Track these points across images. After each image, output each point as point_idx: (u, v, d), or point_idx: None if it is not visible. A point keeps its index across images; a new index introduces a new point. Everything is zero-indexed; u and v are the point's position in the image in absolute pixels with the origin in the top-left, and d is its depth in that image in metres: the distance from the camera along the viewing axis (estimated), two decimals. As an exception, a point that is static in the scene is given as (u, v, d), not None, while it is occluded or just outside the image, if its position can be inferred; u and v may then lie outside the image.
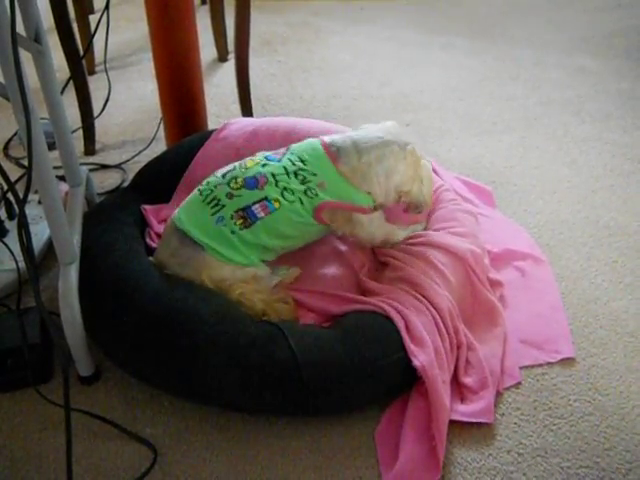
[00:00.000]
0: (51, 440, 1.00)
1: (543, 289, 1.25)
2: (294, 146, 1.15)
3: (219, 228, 1.06)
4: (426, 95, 2.01)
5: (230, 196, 1.08)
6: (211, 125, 1.61)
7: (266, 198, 1.07)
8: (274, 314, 1.08)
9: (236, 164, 1.13)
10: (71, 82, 1.60)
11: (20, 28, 0.93)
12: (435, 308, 1.08)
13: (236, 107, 1.82)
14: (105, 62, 1.73)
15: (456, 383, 1.05)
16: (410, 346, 1.01)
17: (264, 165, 1.11)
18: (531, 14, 2.62)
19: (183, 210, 1.11)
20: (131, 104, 1.96)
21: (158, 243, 1.16)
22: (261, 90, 2.01)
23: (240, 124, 1.40)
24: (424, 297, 1.09)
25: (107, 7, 1.41)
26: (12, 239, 1.27)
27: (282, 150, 1.15)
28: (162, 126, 1.60)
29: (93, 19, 2.02)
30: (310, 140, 1.16)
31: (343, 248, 1.25)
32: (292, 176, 1.09)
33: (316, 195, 1.09)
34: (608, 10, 2.62)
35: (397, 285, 1.13)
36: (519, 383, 1.08)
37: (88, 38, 1.93)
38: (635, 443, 0.99)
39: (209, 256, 1.06)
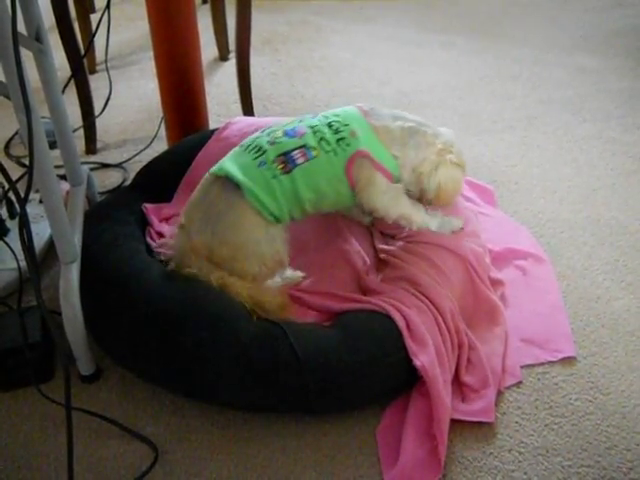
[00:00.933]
0: (52, 439, 1.00)
1: (544, 288, 1.25)
2: (326, 111, 1.18)
3: (261, 171, 1.08)
4: (426, 94, 2.01)
5: (271, 143, 1.10)
6: (212, 124, 1.61)
7: (305, 145, 1.10)
8: (260, 310, 1.07)
9: (271, 123, 1.16)
10: (72, 81, 1.60)
11: (21, 27, 0.93)
12: (436, 307, 1.08)
13: (237, 106, 1.82)
14: (106, 61, 1.73)
15: (457, 382, 1.05)
16: (411, 346, 1.01)
17: (301, 121, 1.14)
18: (531, 13, 2.62)
19: (223, 161, 1.12)
20: (132, 103, 1.96)
21: (188, 203, 1.13)
22: (262, 89, 2.01)
23: (241, 123, 1.40)
24: (425, 296, 1.09)
25: (108, 6, 1.41)
26: (13, 238, 1.27)
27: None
28: (163, 125, 1.60)
29: (94, 18, 2.02)
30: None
31: (345, 247, 1.25)
32: (326, 127, 1.12)
33: (348, 145, 1.11)
34: (608, 9, 2.62)
35: (398, 284, 1.13)
36: (520, 382, 1.08)
37: (89, 37, 1.94)
38: (636, 442, 0.99)
39: (247, 203, 1.07)
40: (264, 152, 1.09)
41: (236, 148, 1.15)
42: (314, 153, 1.09)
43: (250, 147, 1.11)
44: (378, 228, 1.30)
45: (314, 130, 1.12)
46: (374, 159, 1.12)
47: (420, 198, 1.19)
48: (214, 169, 1.12)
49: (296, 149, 1.09)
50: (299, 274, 1.19)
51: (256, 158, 1.09)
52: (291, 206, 1.11)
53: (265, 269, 1.10)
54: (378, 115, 1.15)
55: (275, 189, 1.08)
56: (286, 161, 1.09)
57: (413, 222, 1.18)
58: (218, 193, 1.08)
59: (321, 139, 1.11)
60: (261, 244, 1.09)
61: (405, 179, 1.16)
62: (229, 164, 1.10)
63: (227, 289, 1.06)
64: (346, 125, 1.12)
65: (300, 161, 1.09)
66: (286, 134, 1.11)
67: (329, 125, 1.12)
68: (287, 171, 1.08)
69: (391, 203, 1.16)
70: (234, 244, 1.07)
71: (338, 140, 1.11)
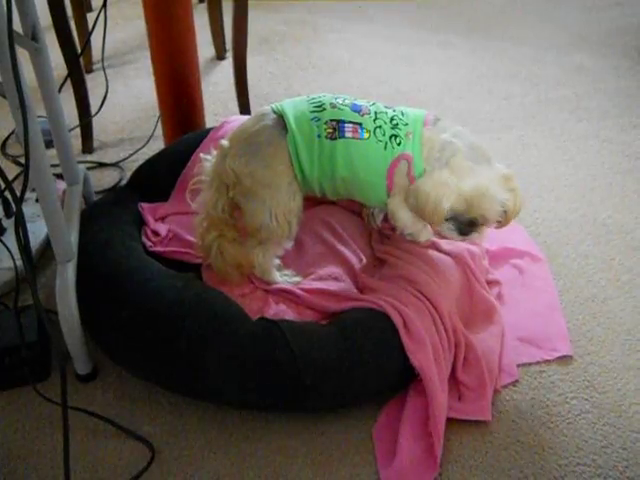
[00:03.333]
0: (48, 438, 1.00)
1: (540, 287, 1.26)
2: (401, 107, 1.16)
3: (311, 125, 1.08)
4: (424, 93, 2.01)
5: (333, 106, 1.10)
6: (209, 123, 1.61)
7: (361, 125, 1.09)
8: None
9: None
10: (69, 80, 1.60)
11: (17, 26, 0.93)
12: (433, 306, 1.08)
13: (234, 105, 1.82)
14: (103, 60, 1.73)
15: (454, 381, 1.05)
16: (408, 344, 1.01)
17: (372, 104, 1.13)
18: (529, 12, 2.62)
19: (284, 101, 1.13)
20: (129, 102, 1.96)
21: (237, 128, 1.15)
22: (259, 88, 2.01)
23: (237, 122, 1.40)
24: (422, 295, 1.09)
25: (105, 5, 1.41)
26: (9, 237, 1.27)
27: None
28: (160, 124, 1.60)
29: (90, 17, 2.01)
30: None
31: (342, 246, 1.25)
32: (388, 120, 1.11)
33: (399, 144, 1.09)
34: (606, 8, 2.62)
35: (395, 283, 1.13)
36: (516, 381, 1.08)
37: (86, 36, 1.93)
38: (632, 441, 0.99)
39: (286, 147, 1.08)
40: (323, 110, 1.09)
41: (302, 97, 1.14)
42: (365, 135, 1.09)
43: (313, 100, 1.11)
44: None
45: (377, 116, 1.11)
46: (412, 167, 1.09)
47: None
48: (273, 105, 1.12)
49: (351, 123, 1.09)
50: (298, 279, 1.18)
51: (313, 111, 1.09)
52: (322, 176, 1.11)
53: (274, 222, 1.10)
54: (435, 127, 1.11)
55: (314, 149, 1.08)
56: (336, 128, 1.08)
57: (421, 236, 1.18)
58: (266, 126, 1.09)
59: (379, 127, 1.10)
60: (281, 192, 1.09)
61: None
62: (288, 106, 1.11)
63: (219, 249, 1.11)
64: (406, 125, 1.11)
65: (349, 135, 1.08)
66: (351, 106, 1.11)
67: (391, 119, 1.11)
68: (333, 137, 1.08)
69: (414, 220, 1.15)
70: (259, 181, 1.08)
71: (392, 136, 1.10)
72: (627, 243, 1.39)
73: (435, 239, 1.20)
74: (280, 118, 1.09)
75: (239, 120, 1.41)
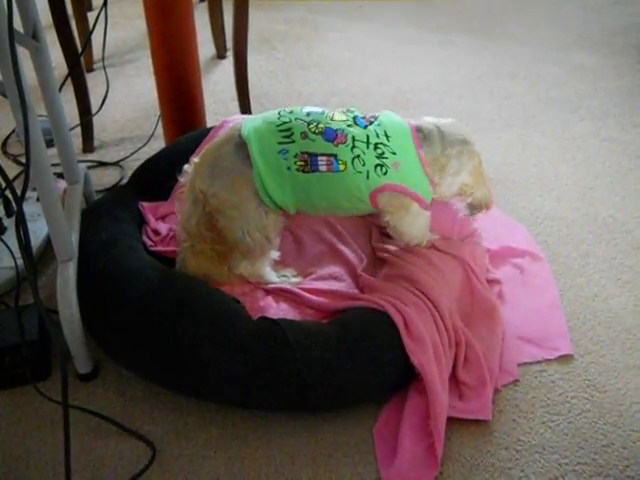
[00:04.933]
0: (49, 437, 1.00)
1: (541, 286, 1.25)
2: (383, 118, 1.09)
3: (278, 158, 1.04)
4: (424, 92, 2.01)
5: (304, 136, 1.04)
6: (209, 122, 1.61)
7: (336, 156, 1.04)
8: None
9: (325, 111, 1.09)
10: (69, 79, 1.60)
11: (18, 24, 0.93)
12: (434, 305, 1.08)
13: (234, 104, 1.82)
14: (103, 59, 1.73)
15: (454, 380, 1.05)
16: (408, 344, 1.01)
17: (349, 125, 1.06)
18: (530, 11, 2.62)
19: (254, 124, 1.07)
20: (129, 101, 1.96)
21: (211, 143, 1.13)
22: (259, 87, 2.01)
23: (238, 121, 1.40)
24: (423, 294, 1.09)
25: (105, 4, 1.41)
26: (10, 236, 1.27)
27: (371, 115, 1.11)
28: (160, 123, 1.60)
29: (91, 16, 2.01)
30: (400, 119, 1.11)
31: (342, 245, 1.25)
32: (371, 147, 1.05)
33: (384, 174, 1.05)
34: (607, 7, 2.62)
35: (396, 282, 1.13)
36: (517, 380, 1.08)
37: (86, 35, 1.93)
38: (633, 440, 0.99)
39: (250, 179, 1.05)
40: (292, 141, 1.04)
41: (273, 116, 1.07)
42: (341, 167, 1.04)
43: (283, 125, 1.05)
44: (377, 226, 1.30)
45: (354, 144, 1.04)
46: (410, 191, 1.08)
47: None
48: (241, 128, 1.07)
49: (324, 155, 1.04)
50: (298, 280, 1.18)
51: (280, 143, 1.04)
52: (300, 203, 1.08)
53: (249, 239, 1.08)
54: (430, 143, 1.08)
55: (285, 180, 1.05)
56: (308, 162, 1.04)
57: (424, 242, 1.19)
58: (230, 151, 1.06)
59: (357, 157, 1.04)
60: (250, 213, 1.07)
61: (443, 194, 1.14)
62: (254, 134, 1.05)
63: (184, 260, 1.13)
64: (393, 154, 1.06)
65: (323, 169, 1.04)
66: (325, 133, 1.04)
67: (375, 146, 1.05)
68: (306, 171, 1.04)
69: (417, 228, 1.16)
70: (224, 201, 1.06)
71: (377, 165, 1.05)
72: (628, 242, 1.39)
73: (436, 239, 1.20)
74: (245, 144, 1.05)
75: (240, 119, 1.41)
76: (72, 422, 0.89)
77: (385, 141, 1.06)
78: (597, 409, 1.04)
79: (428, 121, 1.12)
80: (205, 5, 2.20)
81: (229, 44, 2.17)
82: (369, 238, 1.29)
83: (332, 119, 1.07)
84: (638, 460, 0.96)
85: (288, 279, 1.18)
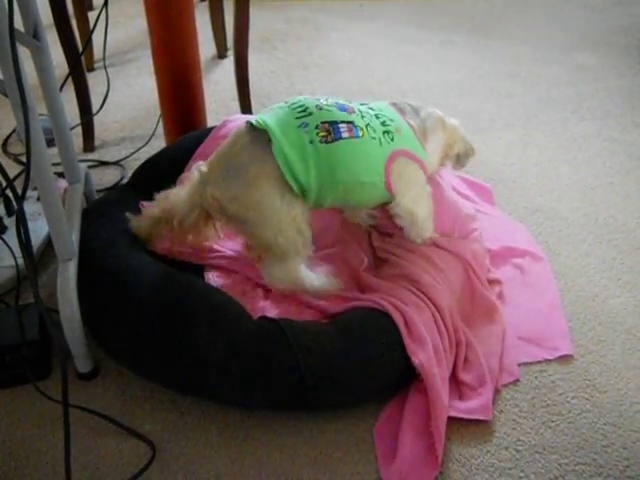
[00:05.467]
0: (49, 436, 1.00)
1: (542, 286, 1.25)
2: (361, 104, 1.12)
3: (300, 132, 1.00)
4: (425, 92, 2.01)
5: (319, 108, 1.03)
6: (210, 122, 1.61)
7: (353, 123, 1.03)
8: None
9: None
10: (70, 78, 1.60)
11: (19, 24, 0.93)
12: (435, 305, 1.08)
13: (235, 104, 1.82)
14: (104, 59, 1.73)
15: (455, 380, 1.05)
16: (409, 343, 1.01)
17: (350, 102, 1.09)
18: (530, 11, 2.61)
19: (262, 113, 1.05)
20: (130, 101, 1.96)
21: (215, 152, 1.07)
22: (260, 87, 2.01)
23: (239, 121, 1.40)
24: (424, 294, 1.09)
25: (106, 3, 1.41)
26: (11, 236, 1.27)
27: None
28: (161, 123, 1.60)
29: (92, 15, 2.02)
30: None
31: (343, 245, 1.25)
32: (374, 116, 1.08)
33: (392, 140, 1.06)
34: (608, 7, 2.62)
35: (397, 282, 1.13)
36: (517, 380, 1.08)
37: (87, 34, 1.93)
38: (633, 440, 0.99)
39: (273, 161, 0.99)
40: (309, 114, 1.01)
41: (280, 104, 1.06)
42: (360, 133, 1.03)
43: (295, 105, 1.03)
44: (377, 226, 1.30)
45: (362, 113, 1.06)
46: (417, 157, 1.10)
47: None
48: (251, 119, 1.04)
49: (344, 122, 1.03)
50: (337, 283, 1.12)
51: (299, 117, 1.01)
52: (322, 183, 1.02)
53: (281, 238, 1.02)
54: (410, 113, 1.13)
55: (309, 155, 1.00)
56: (330, 130, 1.01)
57: (426, 230, 1.19)
58: (246, 144, 1.01)
59: (368, 125, 1.05)
60: (276, 207, 1.01)
61: (435, 163, 1.18)
62: (268, 116, 1.02)
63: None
64: (392, 120, 1.09)
65: (346, 135, 1.01)
66: (337, 105, 1.05)
67: (376, 116, 1.08)
68: (329, 141, 1.00)
69: (427, 212, 1.16)
70: (246, 203, 1.01)
71: (384, 132, 1.06)
72: (629, 242, 1.39)
73: (437, 237, 1.20)
74: (260, 133, 1.01)
75: (240, 119, 1.41)
76: (72, 421, 0.89)
77: (380, 112, 1.10)
78: (597, 409, 1.04)
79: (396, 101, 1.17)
80: (206, 4, 2.20)
81: (230, 44, 2.17)
82: (369, 238, 1.29)
83: (337, 99, 1.09)
84: (638, 460, 0.96)
85: (329, 283, 1.12)
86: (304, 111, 1.02)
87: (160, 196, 1.15)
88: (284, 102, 1.07)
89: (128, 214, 1.17)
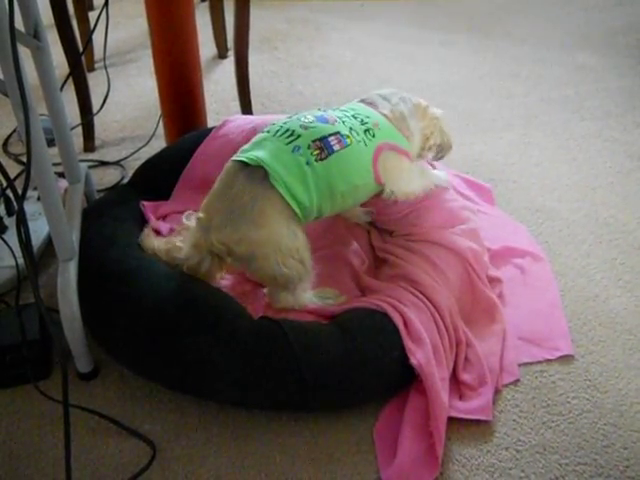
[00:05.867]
0: (50, 436, 1.00)
1: (542, 286, 1.25)
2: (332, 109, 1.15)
3: (295, 157, 1.01)
4: (426, 92, 2.01)
5: (305, 128, 1.05)
6: (210, 122, 1.61)
7: (339, 132, 1.06)
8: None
9: (269, 120, 1.12)
10: (70, 79, 1.60)
11: (19, 24, 0.93)
12: (434, 305, 1.08)
13: (236, 104, 1.82)
14: (104, 59, 1.73)
15: (455, 380, 1.05)
16: (408, 344, 1.01)
17: (325, 110, 1.11)
18: (531, 11, 2.61)
19: (249, 148, 1.05)
20: (130, 101, 1.96)
21: (209, 195, 1.06)
22: (261, 87, 2.01)
23: (239, 121, 1.40)
24: (423, 294, 1.09)
25: (106, 3, 1.41)
26: (11, 235, 1.27)
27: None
28: (161, 123, 1.60)
29: (92, 15, 2.02)
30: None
31: (342, 246, 1.25)
32: (352, 118, 1.10)
33: (373, 136, 1.09)
34: (609, 7, 2.62)
35: (396, 282, 1.13)
36: (518, 380, 1.08)
37: (87, 34, 1.93)
38: (633, 440, 0.99)
39: (275, 195, 1.00)
40: (298, 136, 1.03)
41: (261, 134, 1.07)
42: (348, 141, 1.06)
43: (280, 132, 1.04)
44: (376, 224, 1.30)
45: (342, 119, 1.08)
46: (397, 146, 1.12)
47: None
48: (240, 156, 1.04)
49: (332, 135, 1.05)
50: (343, 299, 1.13)
51: (289, 143, 1.02)
52: (322, 199, 1.05)
53: (286, 269, 1.03)
54: (381, 104, 1.16)
55: (308, 177, 1.02)
56: (322, 147, 1.03)
57: (435, 180, 1.25)
58: (243, 184, 1.01)
59: (351, 129, 1.08)
60: (283, 240, 1.02)
61: (416, 149, 1.19)
62: (258, 152, 1.02)
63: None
64: (368, 117, 1.11)
65: (337, 147, 1.04)
66: (318, 119, 1.07)
67: (354, 117, 1.10)
68: (323, 158, 1.02)
69: (417, 185, 1.19)
70: (254, 241, 1.01)
71: (365, 131, 1.09)
72: (629, 242, 1.39)
73: (436, 236, 1.20)
74: (254, 169, 1.01)
75: (240, 119, 1.42)
76: (72, 421, 0.89)
77: (354, 111, 1.13)
78: (598, 409, 1.04)
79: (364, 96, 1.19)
80: (206, 5, 2.20)
81: (230, 44, 2.17)
82: (369, 238, 1.29)
83: (307, 113, 1.10)
84: (639, 460, 0.96)
85: (332, 300, 1.13)
86: (292, 135, 1.04)
87: (160, 250, 1.13)
88: (264, 132, 1.07)
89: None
